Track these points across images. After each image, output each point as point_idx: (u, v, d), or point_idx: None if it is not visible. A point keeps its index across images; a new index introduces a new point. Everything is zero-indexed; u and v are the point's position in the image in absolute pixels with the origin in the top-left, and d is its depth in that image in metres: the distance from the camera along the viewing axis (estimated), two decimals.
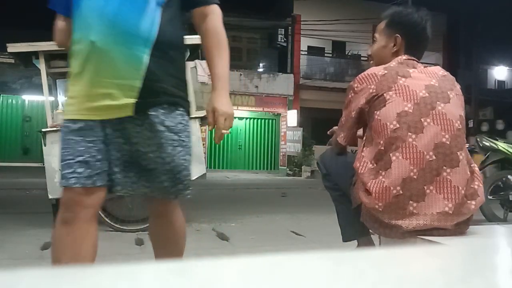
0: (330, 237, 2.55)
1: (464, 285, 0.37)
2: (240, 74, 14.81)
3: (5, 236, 3.44)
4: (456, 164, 1.59)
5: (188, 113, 1.58)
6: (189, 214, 4.68)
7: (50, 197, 3.68)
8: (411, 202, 1.57)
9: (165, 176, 1.51)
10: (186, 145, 1.55)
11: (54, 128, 3.80)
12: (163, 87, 1.45)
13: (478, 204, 1.63)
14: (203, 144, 6.05)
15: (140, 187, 1.52)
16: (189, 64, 4.41)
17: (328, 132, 1.99)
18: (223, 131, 1.51)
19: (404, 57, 1.78)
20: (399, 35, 1.84)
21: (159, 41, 1.44)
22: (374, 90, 1.68)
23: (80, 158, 1.43)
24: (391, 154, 1.60)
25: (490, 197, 4.31)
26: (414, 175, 1.57)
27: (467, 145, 1.72)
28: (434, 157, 1.58)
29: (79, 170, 1.42)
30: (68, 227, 1.45)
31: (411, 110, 1.61)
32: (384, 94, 1.66)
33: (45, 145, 3.80)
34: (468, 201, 1.60)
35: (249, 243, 3.50)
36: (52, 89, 4.83)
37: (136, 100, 1.42)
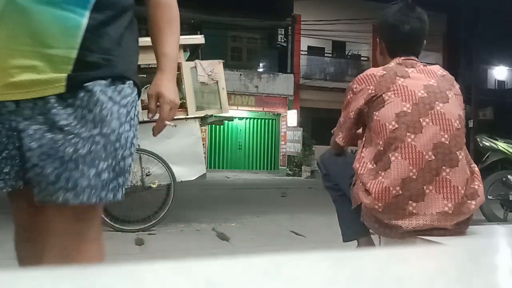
0: (330, 237, 2.55)
1: (464, 285, 0.37)
2: (240, 74, 14.81)
3: (5, 236, 3.43)
4: (456, 164, 1.59)
5: (139, 89, 1.23)
6: (189, 214, 4.70)
7: None
8: (410, 202, 1.57)
9: (106, 162, 1.08)
10: (135, 127, 1.18)
11: None
12: (106, 58, 1.12)
13: (478, 204, 1.63)
14: (203, 144, 6.07)
15: (60, 190, 1.05)
16: (189, 64, 4.41)
17: (332, 131, 1.99)
18: (166, 122, 1.26)
19: (403, 57, 1.78)
20: (378, 38, 1.88)
21: (101, 1, 1.12)
22: (373, 91, 1.68)
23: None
24: (390, 155, 1.60)
25: (490, 197, 4.31)
26: (414, 175, 1.57)
27: None
28: (433, 157, 1.58)
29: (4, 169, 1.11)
30: (23, 243, 1.26)
31: (409, 110, 1.61)
32: (383, 95, 1.66)
33: None
34: (468, 201, 1.60)
35: (249, 243, 3.50)
36: None
37: (69, 73, 1.08)
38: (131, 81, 1.18)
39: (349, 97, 1.78)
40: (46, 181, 1.06)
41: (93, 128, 1.08)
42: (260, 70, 16.38)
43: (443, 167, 1.58)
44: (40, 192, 1.07)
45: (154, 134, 1.30)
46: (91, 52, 1.10)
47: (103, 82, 1.11)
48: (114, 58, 1.14)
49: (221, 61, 4.60)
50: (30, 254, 1.25)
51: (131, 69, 1.20)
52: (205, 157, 6.99)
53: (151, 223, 3.90)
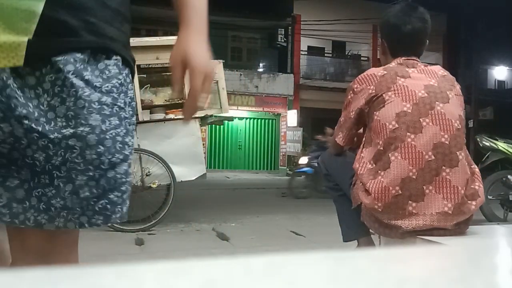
0: (330, 237, 2.55)
1: (464, 285, 0.37)
2: (240, 74, 14.81)
3: (6, 237, 3.44)
4: (456, 164, 1.59)
5: (130, 66, 0.89)
6: (189, 214, 4.70)
7: None
8: (410, 202, 1.57)
9: (86, 175, 0.80)
10: (127, 118, 0.86)
11: None
12: (86, 20, 0.81)
13: (478, 205, 1.63)
14: (203, 144, 6.06)
15: (30, 210, 0.79)
16: None
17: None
18: (203, 95, 0.87)
19: (404, 57, 1.78)
20: (381, 38, 1.89)
21: None
22: (374, 91, 1.69)
23: None
24: (390, 154, 1.60)
25: (490, 197, 4.31)
26: (413, 175, 1.57)
27: None
28: (433, 157, 1.58)
29: None
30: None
31: (410, 110, 1.62)
32: (383, 95, 1.66)
33: None
34: (469, 201, 1.60)
35: (249, 243, 3.50)
36: None
37: (31, 38, 0.75)
38: (119, 57, 0.86)
39: (349, 97, 1.78)
40: (12, 197, 0.79)
41: (66, 127, 0.79)
42: (260, 70, 16.39)
43: (443, 167, 1.58)
44: (3, 207, 0.79)
45: (186, 118, 0.94)
46: (64, 9, 0.78)
47: (79, 56, 0.79)
48: (97, 21, 0.82)
49: (221, 61, 4.60)
50: None
51: (121, 41, 0.87)
52: (205, 157, 7.00)
53: (151, 223, 3.90)
